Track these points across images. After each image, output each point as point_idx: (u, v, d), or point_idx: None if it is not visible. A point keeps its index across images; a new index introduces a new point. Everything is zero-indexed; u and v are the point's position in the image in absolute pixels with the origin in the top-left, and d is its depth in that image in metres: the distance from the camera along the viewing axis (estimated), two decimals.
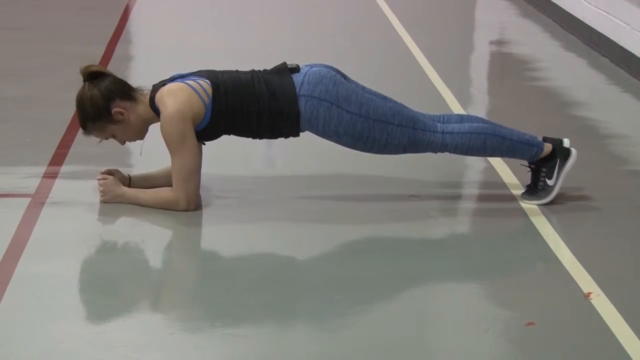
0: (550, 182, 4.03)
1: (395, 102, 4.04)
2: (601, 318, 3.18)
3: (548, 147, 4.06)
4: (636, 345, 3.02)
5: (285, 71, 3.98)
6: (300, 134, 4.02)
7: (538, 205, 4.05)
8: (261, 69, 4.04)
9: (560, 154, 4.06)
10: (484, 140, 3.99)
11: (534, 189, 4.08)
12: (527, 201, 4.07)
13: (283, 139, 4.06)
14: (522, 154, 4.06)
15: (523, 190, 4.13)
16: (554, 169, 4.04)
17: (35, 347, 2.94)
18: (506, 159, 4.43)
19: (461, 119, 4.14)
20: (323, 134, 3.97)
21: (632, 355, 2.96)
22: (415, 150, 4.01)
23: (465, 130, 3.99)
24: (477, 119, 4.14)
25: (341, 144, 4.00)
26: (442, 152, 4.03)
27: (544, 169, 4.05)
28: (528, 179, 4.14)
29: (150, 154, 4.12)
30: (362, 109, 3.91)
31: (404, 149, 4.00)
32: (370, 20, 8.07)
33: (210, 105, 3.90)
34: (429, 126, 3.98)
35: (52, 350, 2.93)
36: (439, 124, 4.01)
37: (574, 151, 4.07)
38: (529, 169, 4.11)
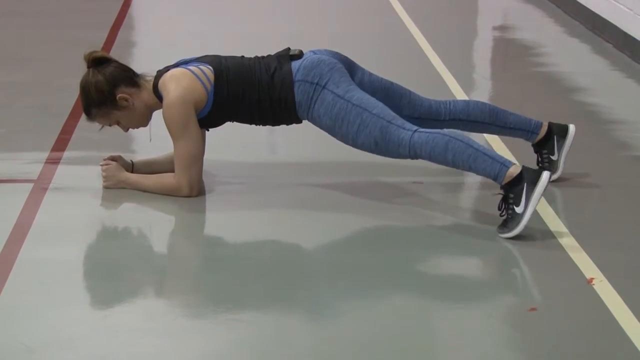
0: (518, 210, 3.60)
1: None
2: (603, 303, 3.18)
3: (515, 169, 3.63)
4: (638, 330, 3.02)
5: (286, 57, 3.97)
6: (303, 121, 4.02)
7: (509, 238, 3.62)
8: (265, 55, 4.04)
9: (527, 177, 3.61)
10: (447, 142, 3.71)
11: (504, 220, 3.69)
12: (500, 234, 3.67)
13: (285, 125, 4.05)
14: (484, 167, 3.67)
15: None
16: (522, 194, 3.59)
17: (38, 332, 2.94)
18: (509, 143, 4.43)
19: (467, 104, 4.14)
20: (311, 118, 3.91)
21: (634, 341, 2.96)
22: (386, 145, 3.80)
23: (435, 131, 3.79)
24: (483, 105, 4.14)
25: (323, 128, 3.91)
26: (410, 154, 3.79)
27: (512, 195, 3.62)
28: (530, 160, 4.10)
29: (153, 139, 4.12)
30: (347, 93, 3.84)
31: (375, 142, 3.81)
32: (372, 4, 8.06)
33: (212, 91, 3.89)
34: (407, 125, 3.81)
35: (55, 335, 2.93)
36: (418, 127, 3.82)
37: (544, 175, 3.59)
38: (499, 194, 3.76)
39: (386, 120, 3.78)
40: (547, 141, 4.07)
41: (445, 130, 3.81)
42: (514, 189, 3.61)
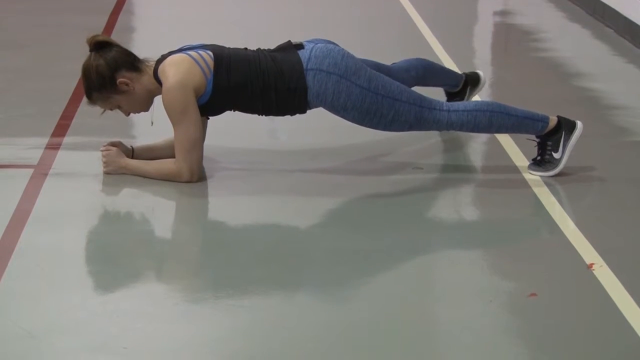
0: (556, 155, 4.05)
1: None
2: (603, 289, 3.19)
3: (553, 121, 4.07)
4: (638, 315, 3.03)
5: (291, 48, 3.97)
6: (307, 110, 4.02)
7: (543, 176, 4.05)
8: (267, 48, 4.03)
9: (565, 127, 4.07)
10: (490, 117, 4.00)
11: (540, 161, 4.10)
12: (533, 172, 4.08)
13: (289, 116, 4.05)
14: (528, 129, 4.07)
15: (528, 163, 4.14)
16: (560, 142, 4.05)
17: (39, 317, 2.95)
18: (516, 138, 4.43)
19: (408, 64, 4.37)
20: (331, 107, 3.96)
21: (634, 326, 2.96)
22: (420, 128, 4.02)
23: (471, 108, 4.01)
24: (419, 62, 4.39)
25: (348, 118, 3.99)
26: (448, 130, 4.04)
27: (550, 143, 4.07)
28: (532, 151, 4.13)
29: (154, 125, 4.11)
30: (371, 83, 3.91)
31: (410, 127, 4.00)
32: None
33: (212, 78, 3.88)
34: (435, 104, 3.99)
35: (55, 320, 2.94)
36: (445, 103, 4.01)
37: (579, 124, 4.09)
38: (535, 144, 4.11)
39: (418, 106, 3.95)
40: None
41: (480, 104, 4.04)
42: (552, 138, 4.06)
